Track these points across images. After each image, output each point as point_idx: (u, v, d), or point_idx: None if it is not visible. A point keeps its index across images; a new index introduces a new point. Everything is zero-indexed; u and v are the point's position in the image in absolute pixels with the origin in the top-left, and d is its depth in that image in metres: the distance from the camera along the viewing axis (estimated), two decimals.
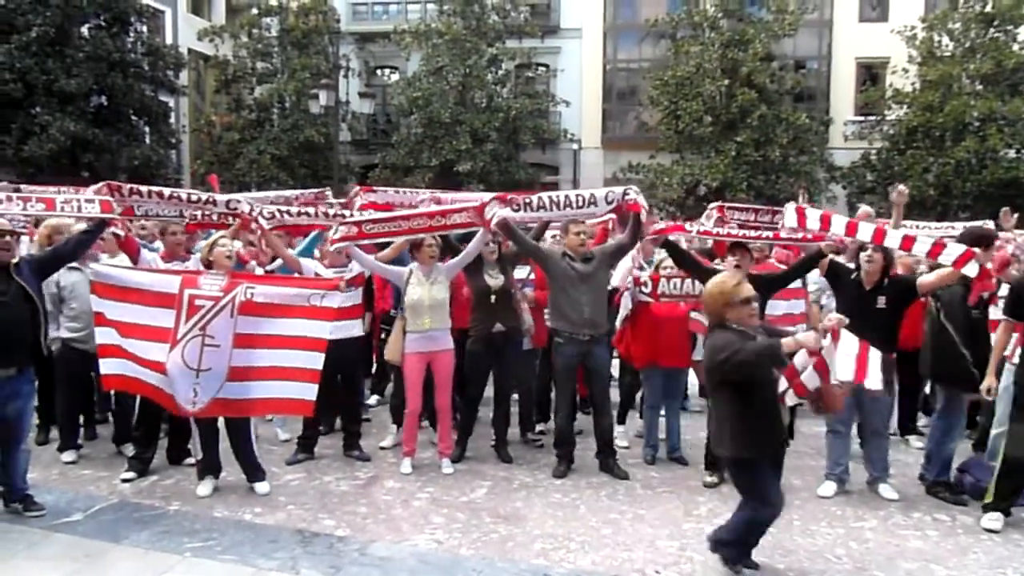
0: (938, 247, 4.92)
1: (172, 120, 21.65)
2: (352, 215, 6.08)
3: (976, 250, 4.93)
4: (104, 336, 4.82)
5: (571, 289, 5.48)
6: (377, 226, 5.56)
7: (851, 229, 5.18)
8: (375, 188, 7.27)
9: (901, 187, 6.31)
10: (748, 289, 3.86)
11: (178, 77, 21.34)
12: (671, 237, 5.61)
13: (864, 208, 7.88)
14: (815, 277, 6.25)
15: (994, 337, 5.12)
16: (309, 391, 4.90)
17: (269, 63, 22.54)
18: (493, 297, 5.79)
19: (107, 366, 4.85)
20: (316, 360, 4.89)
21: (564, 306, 5.52)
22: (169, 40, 22.22)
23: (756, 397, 3.79)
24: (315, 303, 4.92)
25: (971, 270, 4.77)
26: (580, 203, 5.61)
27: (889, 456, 5.45)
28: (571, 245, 5.60)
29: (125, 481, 5.23)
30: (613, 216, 6.03)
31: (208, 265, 5.14)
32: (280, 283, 5.18)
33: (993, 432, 5.55)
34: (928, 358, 5.50)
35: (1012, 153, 18.18)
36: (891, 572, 4.17)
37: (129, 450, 5.56)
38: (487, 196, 6.85)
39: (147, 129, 20.36)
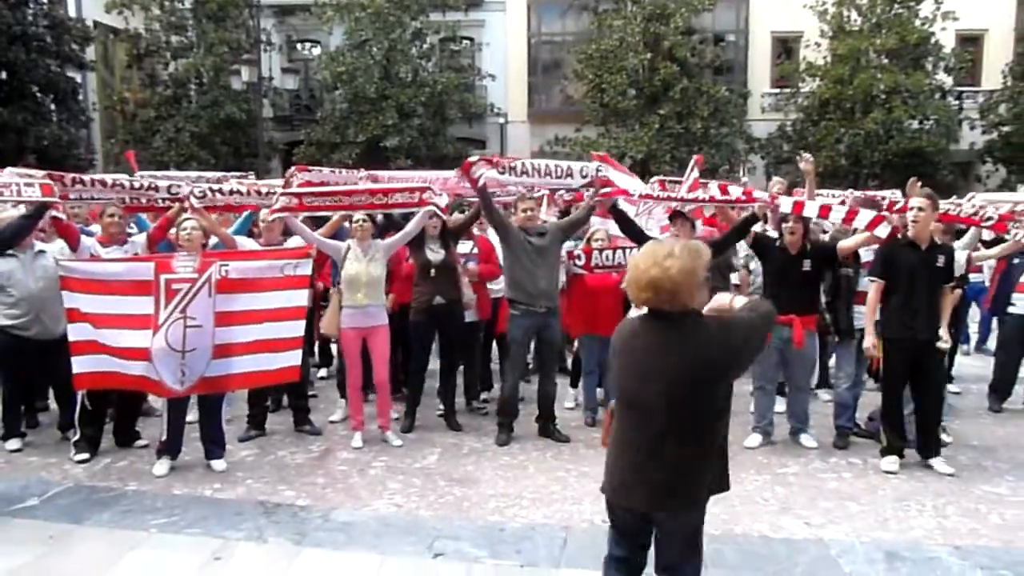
0: (852, 213, 5.41)
1: (81, 97, 20.62)
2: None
3: (886, 214, 5.41)
4: (77, 332, 4.83)
5: (527, 262, 5.71)
6: (318, 200, 5.66)
7: (771, 199, 5.70)
8: (310, 168, 7.34)
9: (807, 156, 6.62)
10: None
11: (85, 52, 20.28)
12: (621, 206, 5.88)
13: (776, 179, 8.36)
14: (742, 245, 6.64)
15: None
16: (294, 357, 5.12)
17: (184, 37, 21.59)
18: (433, 271, 5.98)
19: (80, 364, 4.85)
20: (297, 328, 5.13)
21: (521, 278, 5.75)
22: (73, 12, 21.00)
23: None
24: (288, 272, 5.10)
25: (882, 232, 5.26)
26: (559, 173, 5.91)
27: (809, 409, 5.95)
28: (521, 221, 5.82)
29: (80, 462, 5.22)
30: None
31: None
32: (252, 257, 5.30)
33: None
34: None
35: (915, 124, 19.24)
36: (812, 510, 4.62)
37: (74, 434, 5.49)
38: (427, 174, 6.99)
39: (54, 107, 19.37)
